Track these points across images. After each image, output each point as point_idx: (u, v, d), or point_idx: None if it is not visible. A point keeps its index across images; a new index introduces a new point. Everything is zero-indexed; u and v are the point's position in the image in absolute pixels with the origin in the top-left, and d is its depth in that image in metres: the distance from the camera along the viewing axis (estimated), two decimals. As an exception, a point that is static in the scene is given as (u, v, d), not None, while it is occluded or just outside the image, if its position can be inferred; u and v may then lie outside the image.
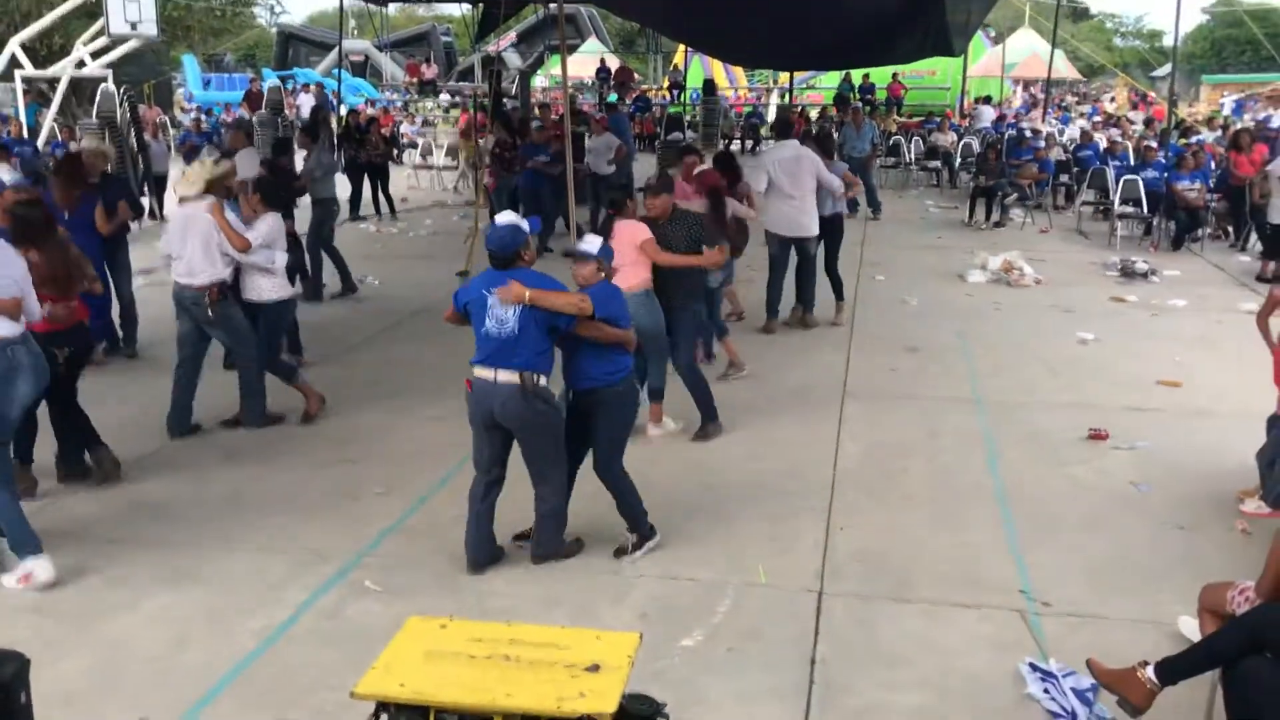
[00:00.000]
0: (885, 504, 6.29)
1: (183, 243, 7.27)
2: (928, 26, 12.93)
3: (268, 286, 7.61)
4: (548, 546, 5.54)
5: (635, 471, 5.72)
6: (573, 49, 36.75)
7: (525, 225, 5.38)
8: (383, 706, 2.63)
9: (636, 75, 36.34)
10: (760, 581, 5.31)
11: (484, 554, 5.48)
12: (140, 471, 6.76)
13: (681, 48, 30.84)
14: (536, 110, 20.25)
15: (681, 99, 30.01)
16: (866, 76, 28.83)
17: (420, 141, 24.58)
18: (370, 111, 25.78)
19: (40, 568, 5.24)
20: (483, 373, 5.24)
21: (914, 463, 6.92)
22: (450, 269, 11.75)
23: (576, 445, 5.61)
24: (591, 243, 5.62)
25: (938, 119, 25.00)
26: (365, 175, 17.23)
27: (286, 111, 24.59)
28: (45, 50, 27.02)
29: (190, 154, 17.85)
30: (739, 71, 36.58)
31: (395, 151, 22.42)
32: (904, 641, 4.78)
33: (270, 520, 6.05)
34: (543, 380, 5.25)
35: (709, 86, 27.68)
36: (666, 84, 33.21)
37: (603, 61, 33.31)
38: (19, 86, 24.04)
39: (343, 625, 4.93)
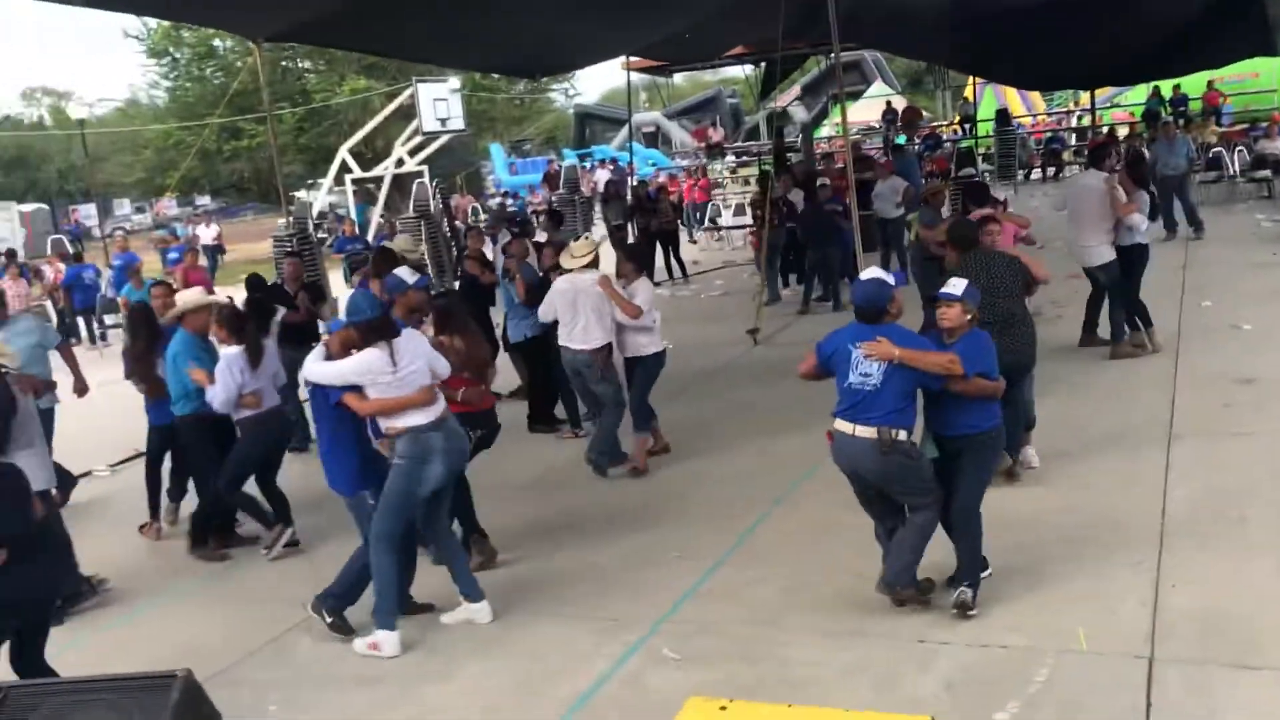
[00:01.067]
0: (1223, 556, 5.65)
1: (573, 311, 7.98)
2: (1245, 24, 11.87)
3: (645, 342, 8.20)
4: (899, 577, 5.32)
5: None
6: (857, 95, 36.50)
7: (891, 279, 5.36)
8: (667, 791, 2.58)
9: (925, 113, 35.50)
10: (1080, 648, 4.88)
11: (897, 578, 5.33)
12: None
13: (971, 80, 29.87)
14: (819, 161, 20.14)
15: (974, 132, 29.01)
16: (1177, 88, 26.75)
17: (709, 205, 25.02)
18: (660, 180, 26.53)
19: (388, 642, 5.57)
20: (842, 426, 5.25)
21: (1255, 509, 6.20)
22: (739, 328, 11.80)
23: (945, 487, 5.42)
24: (956, 285, 5.44)
25: (1264, 125, 22.81)
26: (657, 241, 17.71)
27: (583, 189, 25.73)
28: (370, 153, 29.68)
29: (495, 238, 19.01)
30: (1035, 96, 35.03)
31: (700, 218, 22.98)
32: (1250, 715, 4.24)
33: (574, 589, 6.19)
34: (902, 435, 5.15)
35: (1003, 116, 26.62)
36: (957, 119, 32.23)
37: (888, 104, 32.79)
38: (349, 189, 26.51)
39: (642, 695, 4.94)
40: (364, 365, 5.53)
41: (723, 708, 2.78)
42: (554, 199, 23.35)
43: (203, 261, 19.31)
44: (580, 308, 7.95)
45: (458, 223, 19.58)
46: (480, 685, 5.22)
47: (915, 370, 5.12)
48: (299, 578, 6.80)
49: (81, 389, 8.56)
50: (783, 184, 15.38)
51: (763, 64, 24.21)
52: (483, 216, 28.70)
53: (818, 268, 14.10)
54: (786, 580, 5.96)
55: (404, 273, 7.12)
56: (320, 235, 19.45)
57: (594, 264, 8.12)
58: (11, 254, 21.50)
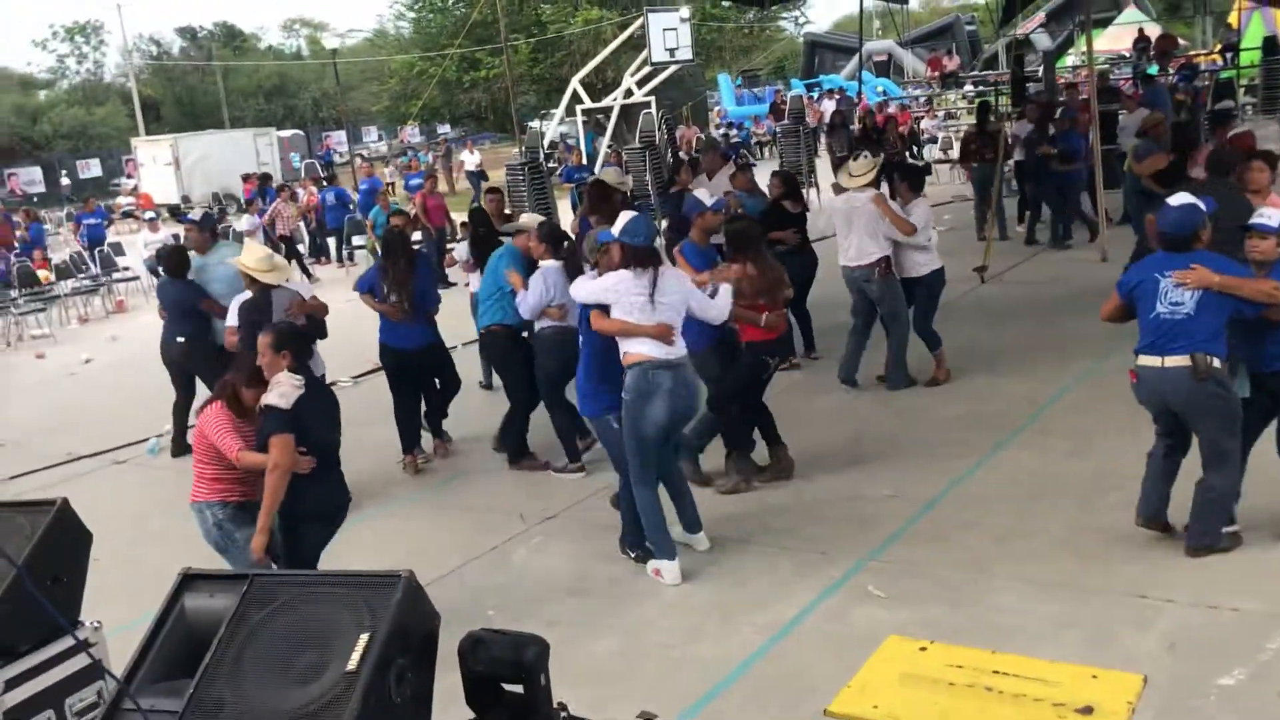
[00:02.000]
0: None
1: (847, 228, 8.21)
2: None
3: (923, 261, 8.37)
4: (1206, 537, 5.19)
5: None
6: (1107, 21, 34.23)
7: (1202, 205, 5.19)
8: (860, 725, 2.60)
9: (1182, 41, 32.97)
10: (1321, 618, 4.57)
11: (1151, 511, 5.33)
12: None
13: (1237, 4, 27.49)
14: (1063, 92, 19.06)
15: (1236, 62, 26.75)
16: None
17: (940, 136, 24.16)
18: (889, 110, 25.77)
19: (668, 570, 5.63)
20: (1149, 360, 5.13)
21: None
22: (966, 265, 11.41)
23: (1256, 426, 5.26)
24: (1271, 216, 5.20)
25: None
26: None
27: (809, 119, 25.27)
28: (600, 84, 30.03)
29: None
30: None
31: (914, 148, 22.23)
32: None
33: (782, 519, 6.23)
34: (1216, 363, 4.98)
35: (1271, 44, 24.39)
36: (1218, 47, 29.78)
37: (1141, 31, 30.60)
38: (579, 119, 26.97)
39: (846, 629, 4.95)
40: (613, 284, 5.58)
41: (922, 649, 2.77)
42: (779, 128, 23.03)
43: (442, 187, 20.04)
44: (854, 225, 8.15)
45: (681, 154, 19.61)
46: (685, 605, 5.35)
47: (1231, 298, 4.94)
48: (516, 492, 7.13)
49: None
50: (1028, 113, 14.63)
51: (1006, -12, 23.02)
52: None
53: (1031, 205, 13.60)
54: (999, 528, 5.82)
55: (701, 194, 7.27)
56: (550, 165, 19.91)
57: (874, 183, 8.29)
58: (267, 178, 23.04)
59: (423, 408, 7.91)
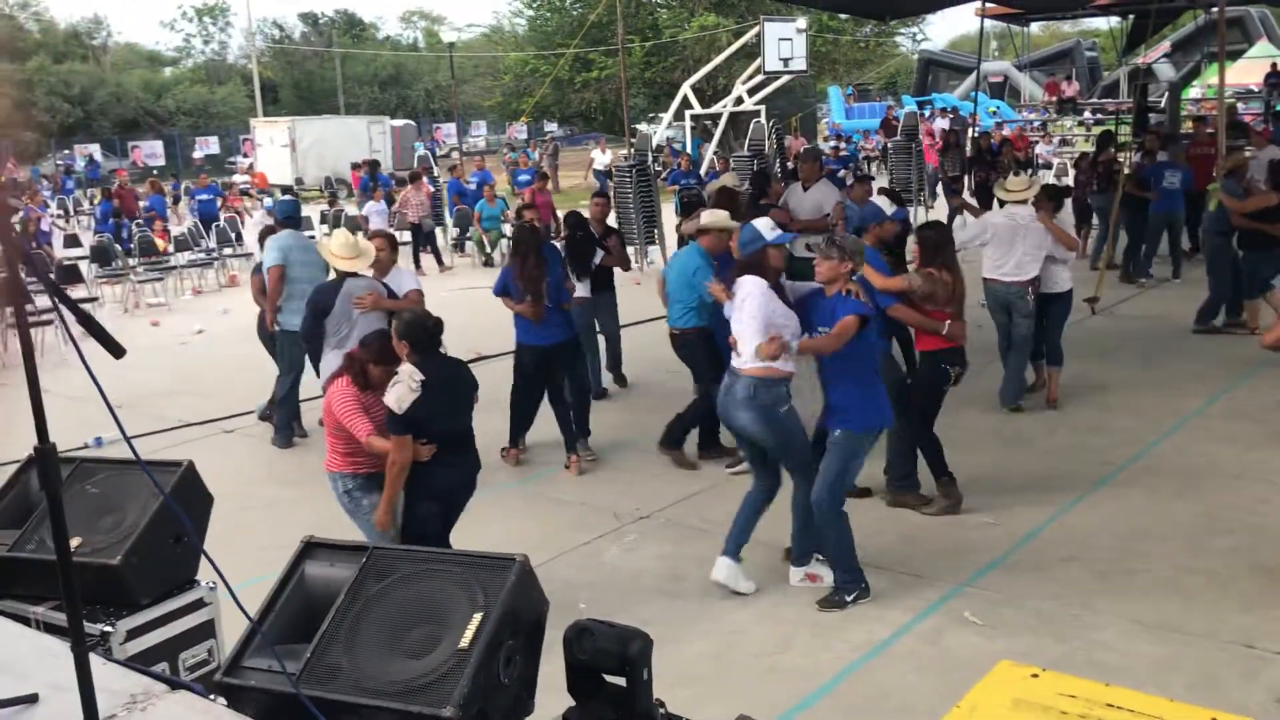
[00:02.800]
0: None
1: (1010, 245, 8.31)
2: None
3: (1065, 277, 8.56)
4: None
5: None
6: (1238, 55, 33.18)
7: None
8: (967, 748, 2.57)
9: (1317, 78, 31.77)
10: None
11: None
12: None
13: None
14: (1190, 124, 18.55)
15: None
16: None
17: (1055, 162, 23.69)
18: (1004, 133, 25.34)
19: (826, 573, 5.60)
20: None
21: None
22: (1078, 295, 11.17)
23: None
24: None
25: None
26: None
27: (921, 136, 24.97)
28: (710, 90, 30.07)
29: (829, 178, 18.82)
30: None
31: (1030, 173, 21.81)
32: None
33: (880, 539, 6.15)
34: None
35: None
36: (1357, 85, 28.70)
37: (1274, 66, 29.61)
38: (688, 124, 27.03)
39: (939, 653, 4.90)
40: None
41: (1034, 675, 2.72)
42: (889, 144, 22.81)
43: (551, 186, 20.18)
44: (1018, 241, 8.27)
45: (789, 164, 19.54)
46: (776, 616, 5.34)
47: None
48: (606, 488, 7.19)
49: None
50: (1147, 143, 14.29)
51: (1131, 16, 22.39)
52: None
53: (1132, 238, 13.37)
54: (1102, 564, 5.70)
55: (882, 203, 7.26)
56: (656, 168, 19.98)
57: (1032, 200, 8.42)
58: (375, 165, 23.53)
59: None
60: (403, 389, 4.85)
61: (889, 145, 23.21)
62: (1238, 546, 5.79)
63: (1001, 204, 8.66)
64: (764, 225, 5.60)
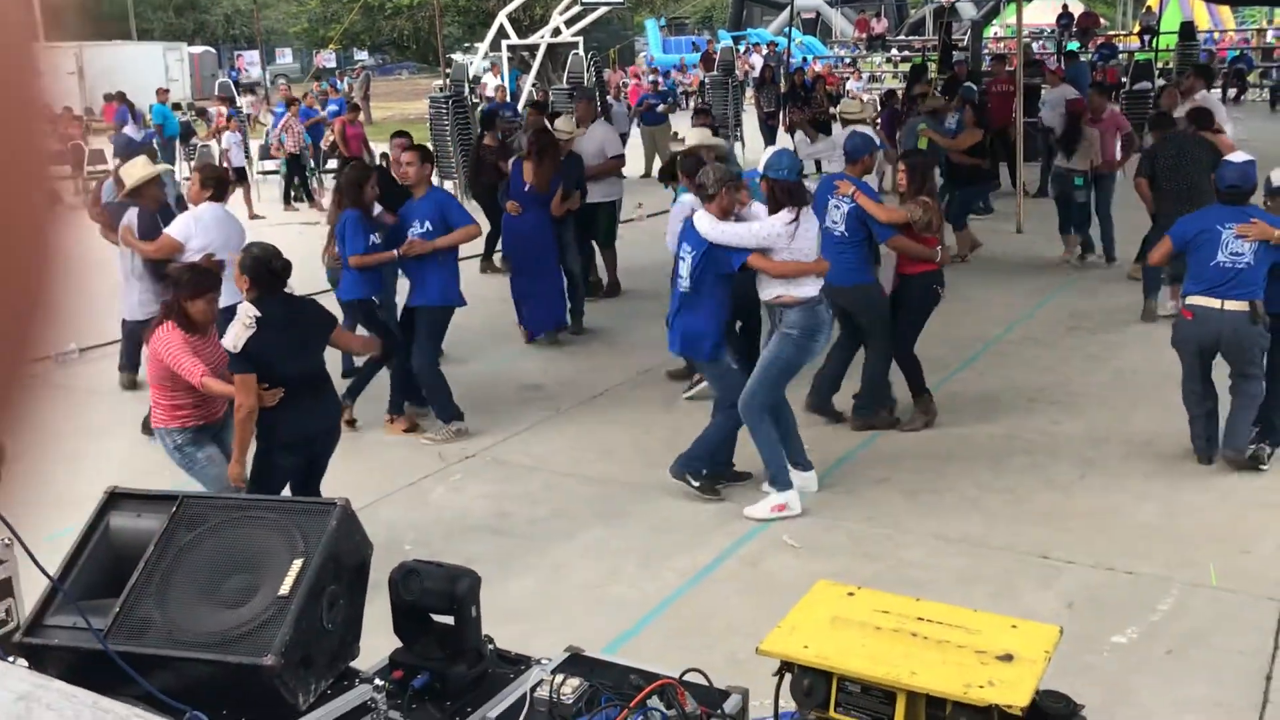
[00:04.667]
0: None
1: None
2: None
3: None
4: (1243, 439, 5.82)
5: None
6: (1034, -5, 34.72)
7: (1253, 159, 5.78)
8: (787, 665, 2.66)
9: (1103, 20, 33.64)
10: (1210, 583, 4.80)
11: (1213, 447, 5.92)
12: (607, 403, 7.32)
13: (1158, -12, 28.15)
14: (992, 63, 19.34)
15: (1154, 44, 27.40)
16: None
17: (866, 98, 24.33)
18: (817, 69, 25.88)
19: (791, 500, 5.62)
20: (1207, 301, 5.63)
21: None
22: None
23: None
24: None
25: None
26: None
27: (738, 72, 25.24)
28: (528, 20, 29.54)
29: (647, 114, 18.91)
30: (1225, 12, 32.82)
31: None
32: (1388, 671, 4.14)
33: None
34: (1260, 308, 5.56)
35: (1187, 30, 25.05)
36: (1137, 28, 30.47)
37: (1065, 8, 31.12)
38: (505, 55, 26.52)
39: (760, 576, 5.06)
40: (774, 230, 5.46)
41: (850, 594, 2.84)
42: (707, 79, 22.96)
43: (363, 117, 19.29)
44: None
45: (609, 98, 19.45)
46: (603, 548, 5.41)
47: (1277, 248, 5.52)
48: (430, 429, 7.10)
49: None
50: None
51: (937, -45, 23.15)
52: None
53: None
54: (910, 484, 5.97)
55: (865, 131, 7.43)
56: (473, 100, 19.56)
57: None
58: (122, 97, 22.14)
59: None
60: (238, 326, 4.65)
61: (707, 80, 23.38)
62: (1034, 465, 6.17)
63: (845, 124, 9.11)
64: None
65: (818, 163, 10.54)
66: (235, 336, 4.63)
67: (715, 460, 5.89)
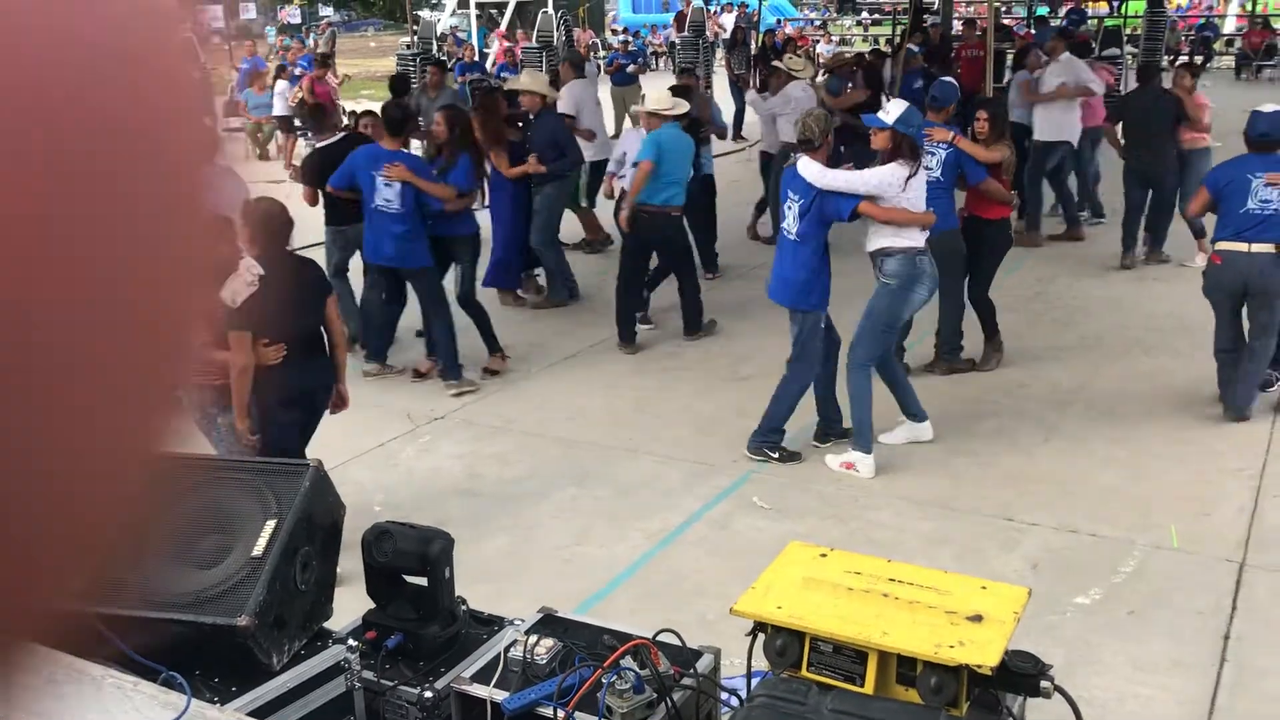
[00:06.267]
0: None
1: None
2: None
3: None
4: (1248, 401, 6.08)
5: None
6: (1004, -41, 34.64)
7: None
8: (760, 626, 2.69)
9: (1073, -15, 33.59)
10: (1171, 545, 4.89)
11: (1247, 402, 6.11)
12: (559, 372, 7.32)
13: (1128, -46, 28.12)
14: (960, 26, 19.34)
15: (1123, 11, 27.45)
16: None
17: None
18: (788, 31, 25.77)
19: (863, 462, 5.67)
20: (1235, 246, 5.86)
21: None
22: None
23: None
24: None
25: None
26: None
27: (708, 33, 25.09)
28: (497, -23, 29.17)
29: (617, 74, 18.74)
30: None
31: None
32: (1342, 631, 4.24)
33: (672, 431, 6.33)
34: None
35: (1155, -3, 25.11)
36: (1107, -6, 30.49)
37: (1035, -28, 31.09)
38: (473, 12, 26.22)
39: (730, 537, 5.10)
40: (889, 178, 5.48)
41: (823, 555, 2.87)
42: (678, 40, 22.82)
43: (333, 77, 18.91)
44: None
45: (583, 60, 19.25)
46: (573, 509, 5.43)
47: None
48: (399, 391, 7.07)
49: None
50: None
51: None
52: (602, 53, 28.23)
53: None
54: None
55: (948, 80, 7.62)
56: (440, 57, 19.31)
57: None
58: None
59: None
60: (238, 282, 4.57)
61: (677, 41, 23.23)
62: (1000, 429, 6.23)
63: (791, 78, 9.64)
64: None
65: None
66: (234, 292, 4.55)
67: (826, 418, 6.03)
